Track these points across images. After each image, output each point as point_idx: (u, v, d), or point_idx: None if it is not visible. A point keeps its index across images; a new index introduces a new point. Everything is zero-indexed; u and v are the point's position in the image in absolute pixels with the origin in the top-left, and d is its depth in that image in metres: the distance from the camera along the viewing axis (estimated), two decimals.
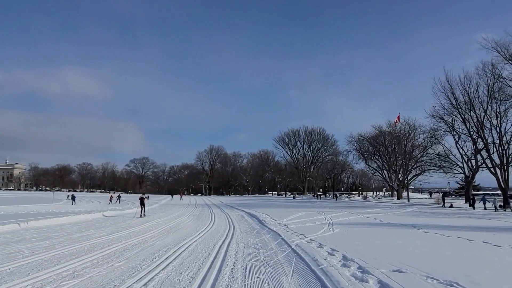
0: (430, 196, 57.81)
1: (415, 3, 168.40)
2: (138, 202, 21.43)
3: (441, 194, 41.16)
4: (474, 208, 28.48)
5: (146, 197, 21.28)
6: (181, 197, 60.23)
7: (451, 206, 31.34)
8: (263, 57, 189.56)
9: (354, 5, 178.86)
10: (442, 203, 32.62)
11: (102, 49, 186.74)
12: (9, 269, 6.31)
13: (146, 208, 20.72)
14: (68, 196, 47.37)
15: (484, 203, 28.81)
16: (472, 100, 33.50)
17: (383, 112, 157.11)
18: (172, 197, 58.37)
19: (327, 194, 66.53)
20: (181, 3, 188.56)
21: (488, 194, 41.56)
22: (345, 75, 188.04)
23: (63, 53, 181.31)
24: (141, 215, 19.44)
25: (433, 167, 47.20)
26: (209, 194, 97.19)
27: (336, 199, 55.27)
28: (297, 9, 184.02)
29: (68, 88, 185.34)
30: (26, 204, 33.17)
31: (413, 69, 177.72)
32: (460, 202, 38.44)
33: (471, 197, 31.75)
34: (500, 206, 27.77)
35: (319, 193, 70.40)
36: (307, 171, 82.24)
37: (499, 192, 34.01)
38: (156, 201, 41.20)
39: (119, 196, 42.97)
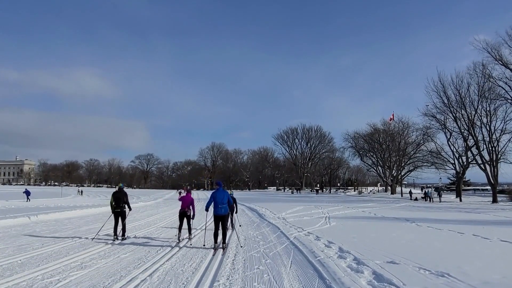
0: (421, 190, 59.05)
1: (413, 8, 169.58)
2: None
3: (409, 190, 47.26)
4: (426, 200, 34.16)
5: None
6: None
7: (416, 199, 35.99)
8: (268, 59, 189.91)
9: (356, 9, 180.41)
10: (410, 197, 38.41)
11: (115, 51, 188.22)
12: (20, 260, 6.44)
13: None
14: (78, 191, 46.87)
15: (427, 196, 34.35)
16: (463, 99, 34.06)
17: (381, 111, 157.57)
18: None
19: (324, 189, 69.08)
20: (190, 7, 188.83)
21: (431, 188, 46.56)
22: (346, 76, 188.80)
23: (77, 54, 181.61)
24: None
25: (425, 164, 48.28)
26: (211, 189, 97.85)
27: (317, 194, 59.81)
28: (303, 13, 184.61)
29: (81, 88, 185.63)
30: (36, 198, 33.24)
31: (410, 70, 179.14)
32: (451, 197, 39.78)
33: (425, 192, 37.27)
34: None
35: (298, 188, 76.47)
36: (305, 167, 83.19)
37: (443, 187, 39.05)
38: (160, 196, 41.27)
39: None
